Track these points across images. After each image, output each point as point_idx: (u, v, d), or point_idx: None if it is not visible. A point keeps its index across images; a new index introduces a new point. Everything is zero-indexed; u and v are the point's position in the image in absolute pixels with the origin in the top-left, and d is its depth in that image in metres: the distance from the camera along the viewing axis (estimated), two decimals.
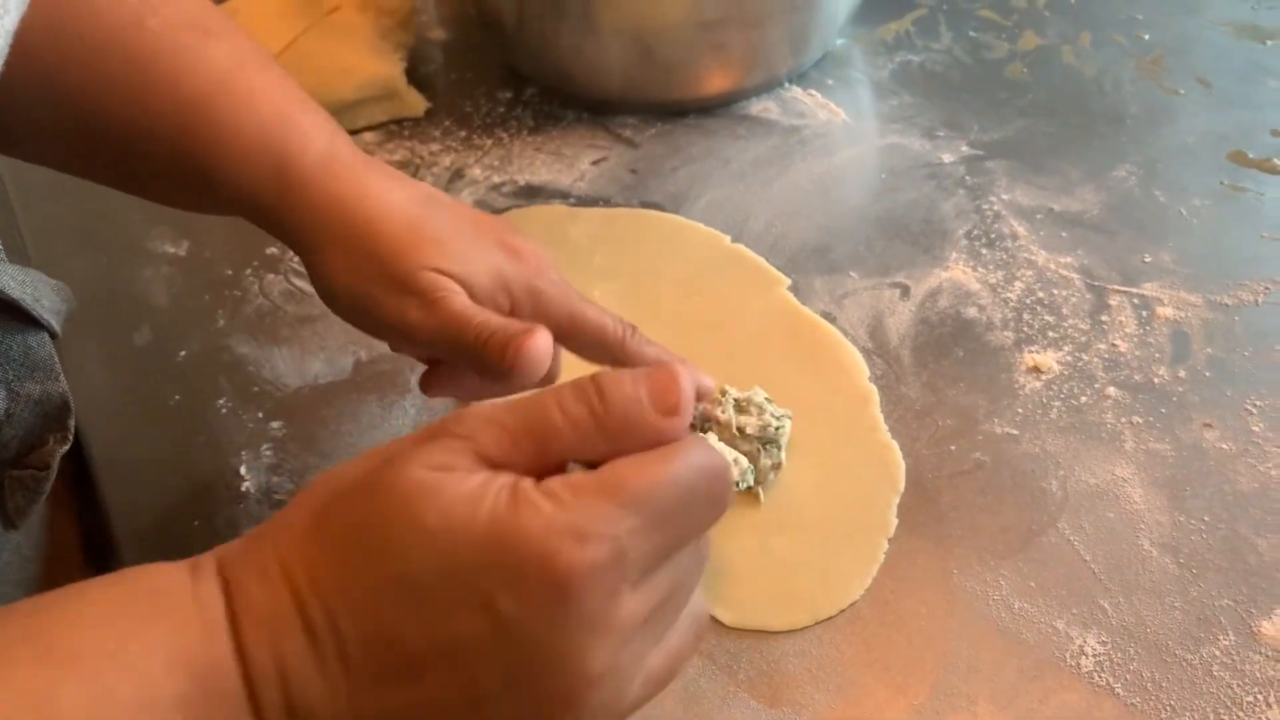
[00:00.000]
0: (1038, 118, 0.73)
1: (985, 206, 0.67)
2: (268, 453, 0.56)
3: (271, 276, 0.65)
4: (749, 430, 0.51)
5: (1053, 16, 0.82)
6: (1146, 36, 0.80)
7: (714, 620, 0.48)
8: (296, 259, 0.65)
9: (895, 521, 0.51)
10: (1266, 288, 0.61)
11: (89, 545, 0.55)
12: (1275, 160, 0.69)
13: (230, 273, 0.66)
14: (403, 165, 0.72)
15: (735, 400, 0.53)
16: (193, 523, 0.53)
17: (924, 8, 0.84)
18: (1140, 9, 0.82)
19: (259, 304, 0.63)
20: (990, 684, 0.45)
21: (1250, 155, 0.69)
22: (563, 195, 0.70)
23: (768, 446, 0.52)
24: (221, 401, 0.58)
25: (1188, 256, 0.63)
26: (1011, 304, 0.61)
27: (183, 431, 0.57)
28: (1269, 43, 0.79)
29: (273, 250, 0.67)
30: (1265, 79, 0.75)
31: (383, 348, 0.60)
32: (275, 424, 0.57)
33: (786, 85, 0.77)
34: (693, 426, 0.52)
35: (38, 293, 0.43)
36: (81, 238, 0.69)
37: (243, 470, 0.55)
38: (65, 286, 0.46)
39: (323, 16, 0.74)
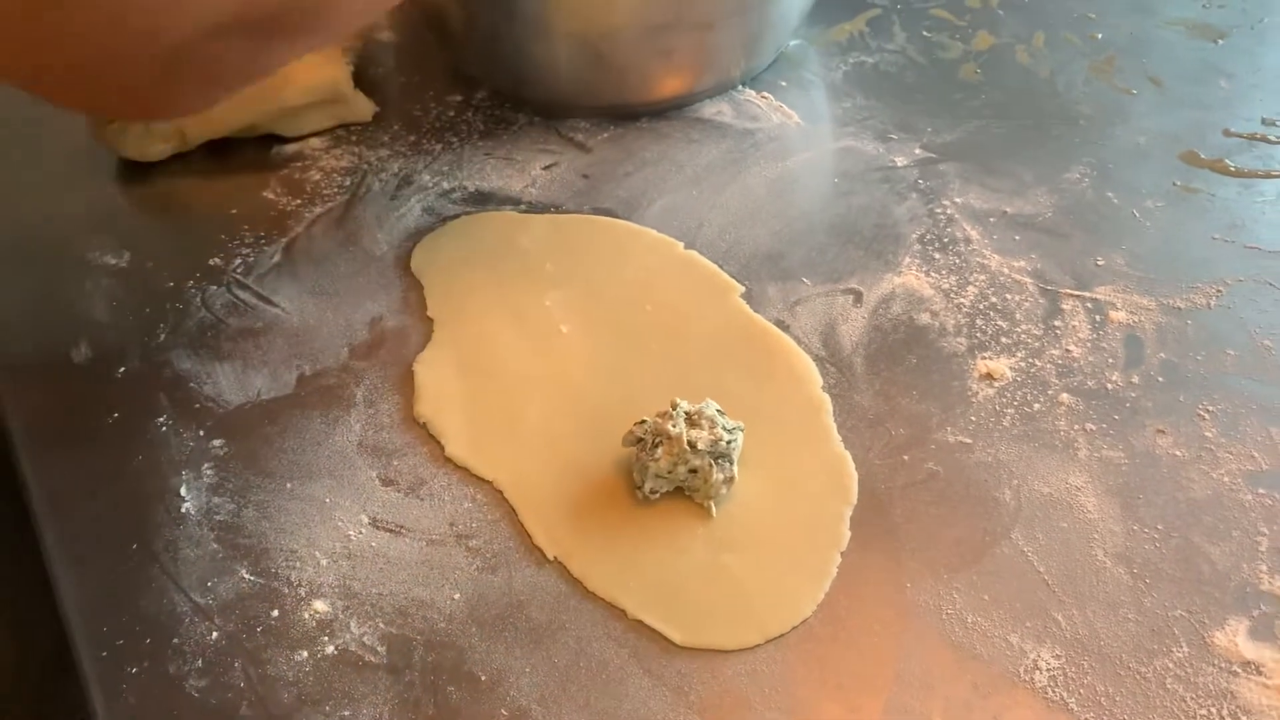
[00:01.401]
0: (991, 119, 0.73)
1: (938, 210, 0.66)
2: (209, 472, 0.54)
3: (214, 288, 0.63)
4: (700, 445, 0.50)
5: (1006, 16, 0.82)
6: (1099, 36, 0.80)
7: (664, 640, 0.47)
8: (241, 270, 0.64)
9: (848, 535, 0.50)
10: (1219, 290, 0.61)
11: (20, 569, 0.53)
12: (1227, 161, 0.69)
13: (172, 285, 0.64)
14: (350, 171, 0.71)
15: (686, 413, 0.52)
16: (130, 546, 0.51)
17: (878, 7, 0.83)
18: (1093, 8, 0.82)
19: (201, 317, 0.62)
20: (944, 701, 0.45)
21: (1202, 155, 0.69)
22: (513, 201, 0.69)
23: (720, 460, 0.51)
24: (161, 420, 0.57)
25: (1140, 259, 0.63)
26: (964, 309, 0.60)
27: (121, 451, 0.55)
28: (1220, 42, 0.79)
29: (216, 261, 0.65)
30: (1216, 79, 0.75)
31: (327, 361, 0.59)
32: (216, 442, 0.55)
33: (740, 88, 0.76)
34: (642, 441, 0.51)
35: None
36: (17, 249, 0.67)
37: (183, 491, 0.53)
38: None
39: None
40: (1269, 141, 0.70)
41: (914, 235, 0.65)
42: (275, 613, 0.48)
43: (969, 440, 0.54)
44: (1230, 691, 0.44)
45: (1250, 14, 0.81)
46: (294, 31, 0.47)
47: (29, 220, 0.69)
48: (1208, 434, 0.54)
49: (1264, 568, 0.48)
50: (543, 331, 0.60)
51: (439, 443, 0.55)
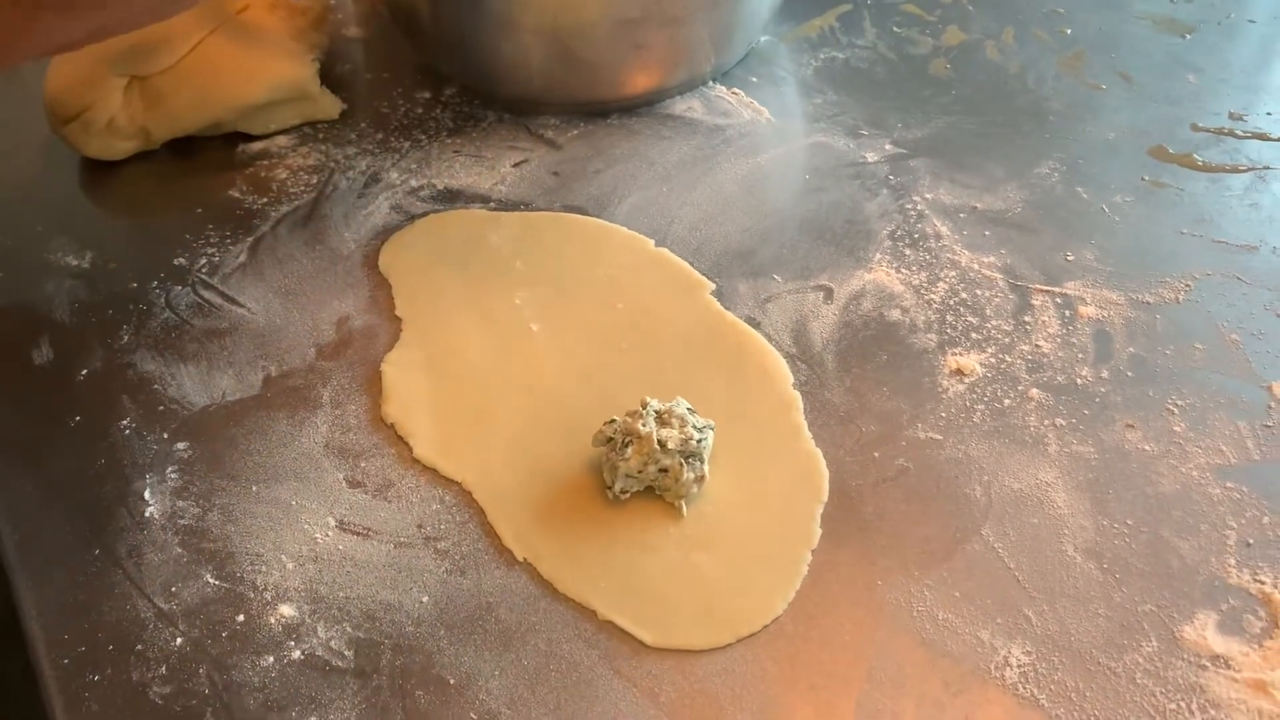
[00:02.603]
0: (961, 115, 0.73)
1: (909, 206, 0.66)
2: (173, 475, 0.53)
3: (178, 288, 0.63)
4: (670, 444, 0.50)
5: (976, 11, 0.82)
6: (1069, 31, 0.80)
7: (635, 640, 0.47)
8: (205, 270, 0.63)
9: (819, 532, 0.50)
10: (1187, 284, 0.61)
11: None
12: (1195, 155, 0.69)
13: (135, 285, 0.63)
14: (317, 169, 0.70)
15: (656, 412, 0.51)
16: (93, 551, 0.50)
17: (848, 3, 0.83)
18: (1062, 3, 0.82)
19: (165, 318, 0.61)
20: (915, 699, 0.44)
21: (1170, 150, 0.70)
22: (483, 199, 0.68)
23: (690, 460, 0.50)
24: (125, 422, 0.56)
25: (1110, 254, 0.63)
26: (935, 305, 0.60)
27: (83, 455, 0.54)
28: (1188, 37, 0.79)
29: (180, 261, 0.64)
30: (1184, 73, 0.76)
31: (293, 361, 0.58)
32: (181, 445, 0.55)
33: (711, 84, 0.76)
34: (612, 441, 0.51)
35: None
36: None
37: (146, 495, 0.52)
38: None
39: (230, 17, 0.72)
40: (1236, 136, 0.70)
41: (885, 231, 0.65)
42: (240, 618, 0.48)
43: (939, 436, 0.54)
44: (1200, 685, 0.45)
45: (1217, 9, 0.82)
46: (64, 7, 0.47)
47: None
48: (1176, 428, 0.54)
49: (1232, 561, 0.49)
50: (512, 330, 0.59)
51: (407, 444, 0.54)
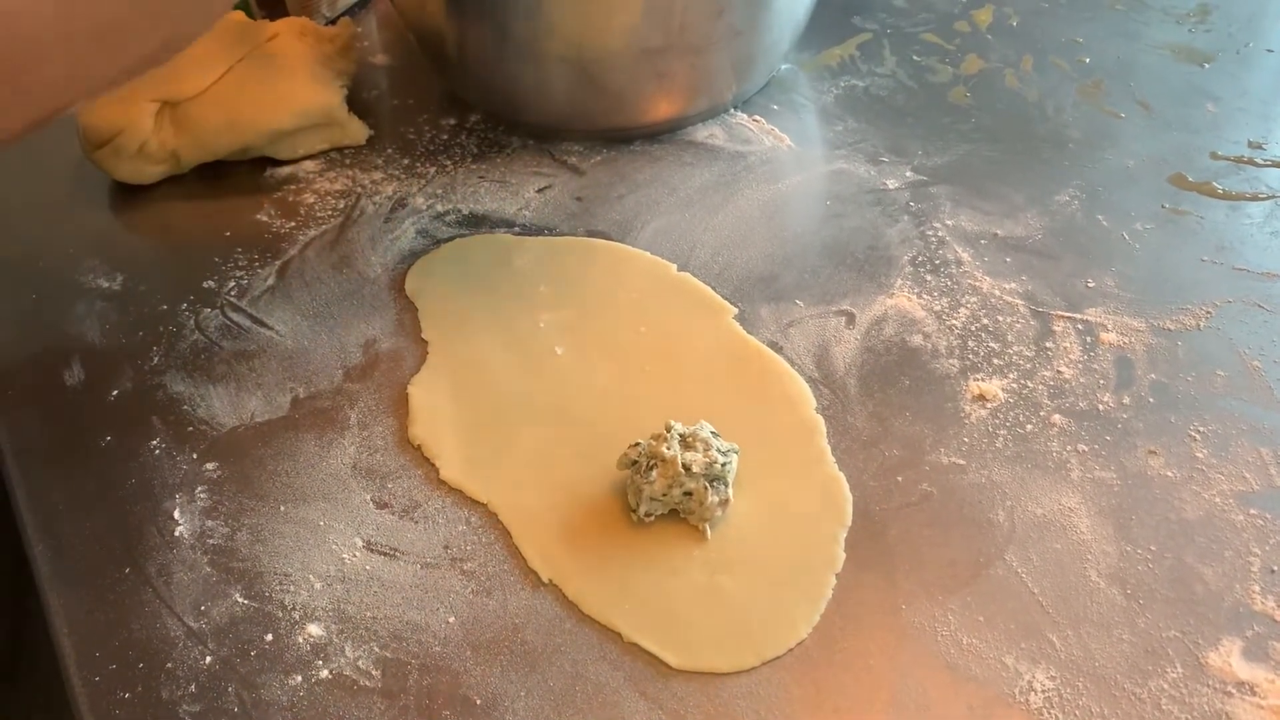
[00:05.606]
0: (981, 142, 0.74)
1: (930, 232, 0.67)
2: (202, 495, 0.54)
3: (208, 311, 0.63)
4: (695, 467, 0.50)
5: (995, 40, 0.83)
6: (1087, 60, 0.80)
7: (660, 663, 0.47)
8: (234, 292, 0.64)
9: (843, 556, 0.50)
10: (1208, 311, 0.61)
11: (12, 593, 0.53)
12: (1214, 183, 0.69)
13: (165, 308, 0.64)
14: (344, 194, 0.71)
15: (681, 435, 0.52)
16: (123, 570, 0.51)
17: (868, 32, 0.84)
18: (1081, 32, 0.83)
19: (194, 340, 0.62)
20: None
21: (1190, 178, 0.70)
22: (508, 224, 0.69)
23: (714, 483, 0.51)
24: (154, 443, 0.56)
25: (1130, 281, 0.63)
26: (956, 331, 0.60)
27: (113, 474, 0.55)
28: (1206, 66, 0.80)
29: (209, 284, 0.65)
30: (1203, 102, 0.76)
31: (321, 383, 0.59)
32: (210, 465, 0.55)
33: (732, 111, 0.77)
34: (637, 464, 0.51)
35: None
36: (10, 272, 0.67)
37: (176, 514, 0.53)
38: None
39: (260, 44, 0.73)
40: (1256, 164, 0.71)
41: (906, 257, 0.65)
42: (269, 637, 0.48)
43: (962, 461, 0.54)
44: (1225, 713, 0.45)
45: (1235, 38, 0.83)
46: None
47: (22, 243, 0.69)
48: (1199, 455, 0.54)
49: (1256, 588, 0.49)
50: (537, 354, 0.60)
51: (433, 465, 0.55)
